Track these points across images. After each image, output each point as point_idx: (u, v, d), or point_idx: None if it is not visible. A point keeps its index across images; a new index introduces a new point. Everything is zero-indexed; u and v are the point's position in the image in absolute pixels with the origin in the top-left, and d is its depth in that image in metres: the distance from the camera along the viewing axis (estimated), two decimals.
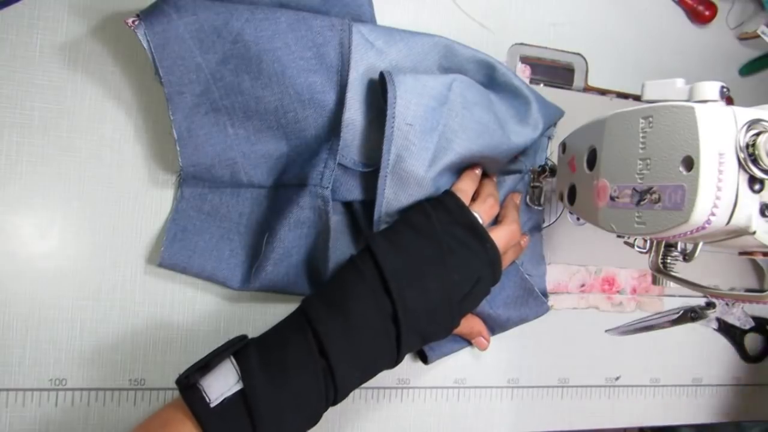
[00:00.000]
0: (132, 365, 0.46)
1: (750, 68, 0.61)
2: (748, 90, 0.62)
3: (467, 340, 0.51)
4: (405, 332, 0.38)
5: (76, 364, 0.44)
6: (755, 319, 0.61)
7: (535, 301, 0.52)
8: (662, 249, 0.42)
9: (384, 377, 0.41)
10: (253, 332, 0.41)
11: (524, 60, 0.54)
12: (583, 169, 0.41)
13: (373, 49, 0.44)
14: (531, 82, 0.54)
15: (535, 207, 0.53)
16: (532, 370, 0.55)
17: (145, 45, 0.39)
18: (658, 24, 0.59)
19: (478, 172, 0.46)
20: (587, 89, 0.56)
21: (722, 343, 0.62)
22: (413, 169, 0.41)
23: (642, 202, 0.34)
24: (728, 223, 0.31)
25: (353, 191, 0.46)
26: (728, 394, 0.62)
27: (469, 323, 0.49)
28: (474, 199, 0.45)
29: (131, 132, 0.45)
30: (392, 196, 0.42)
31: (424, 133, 0.41)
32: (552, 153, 0.54)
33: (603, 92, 0.57)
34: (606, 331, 0.58)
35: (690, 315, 0.59)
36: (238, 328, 0.48)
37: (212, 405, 0.34)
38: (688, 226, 0.31)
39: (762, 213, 0.31)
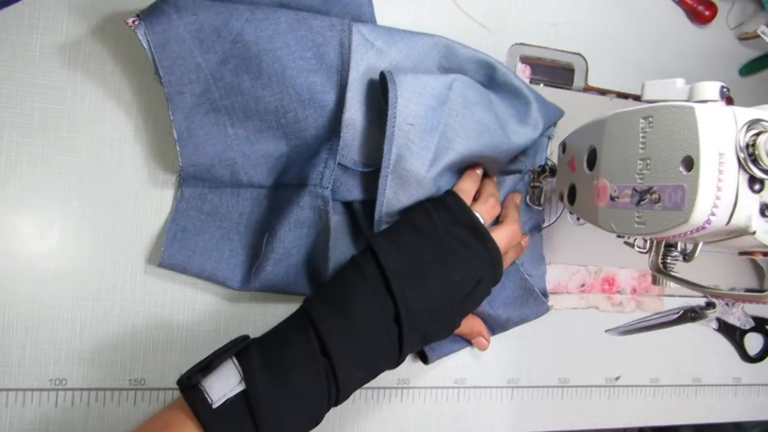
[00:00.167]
0: (132, 365, 0.46)
1: (750, 68, 0.61)
2: (748, 90, 0.62)
3: (467, 340, 0.51)
4: (407, 332, 0.38)
5: (76, 364, 0.44)
6: (755, 319, 0.61)
7: (535, 301, 0.52)
8: (662, 249, 0.42)
9: (384, 377, 0.41)
10: (253, 332, 0.41)
11: (524, 60, 0.54)
12: (583, 169, 0.41)
13: (373, 49, 0.44)
14: (531, 82, 0.54)
15: (535, 207, 0.53)
16: (532, 370, 0.55)
17: (145, 45, 0.39)
18: (658, 24, 0.59)
19: (479, 172, 0.46)
20: (587, 89, 0.56)
21: (722, 343, 0.62)
22: (414, 169, 0.41)
23: (642, 202, 0.34)
24: (728, 223, 0.31)
25: (353, 191, 0.46)
26: (728, 394, 0.62)
27: (470, 323, 0.49)
28: (475, 199, 0.45)
29: (131, 132, 0.45)
30: (393, 196, 0.42)
31: (425, 132, 0.41)
32: (552, 153, 0.54)
33: (603, 92, 0.57)
34: (606, 331, 0.58)
35: (690, 315, 0.59)
36: (238, 328, 0.48)
37: (214, 406, 0.34)
38: (688, 226, 0.31)
39: (762, 213, 0.31)
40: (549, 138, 0.54)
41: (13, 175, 0.43)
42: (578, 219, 0.56)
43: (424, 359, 0.51)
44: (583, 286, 0.57)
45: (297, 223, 0.43)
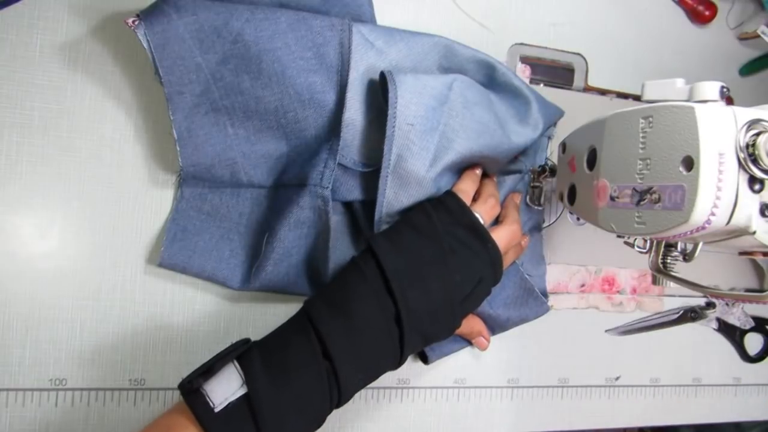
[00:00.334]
0: (132, 365, 0.46)
1: (750, 68, 0.61)
2: (748, 90, 0.62)
3: (467, 340, 0.51)
4: (408, 333, 0.38)
5: (76, 364, 0.44)
6: (755, 319, 0.61)
7: (535, 301, 0.52)
8: (662, 249, 0.42)
9: (384, 377, 0.41)
10: (253, 332, 0.41)
11: (524, 60, 0.54)
12: (583, 169, 0.41)
13: (373, 49, 0.44)
14: (531, 82, 0.54)
15: (535, 207, 0.53)
16: (532, 370, 0.55)
17: (145, 45, 0.39)
18: (658, 24, 0.59)
19: (478, 172, 0.46)
20: (587, 89, 0.56)
21: (722, 343, 0.62)
22: (414, 169, 0.41)
23: (642, 202, 0.34)
24: (728, 223, 0.31)
25: (353, 191, 0.46)
26: (728, 394, 0.62)
27: (470, 323, 0.49)
28: (475, 199, 0.45)
29: (131, 132, 0.45)
30: (393, 196, 0.42)
31: (425, 132, 0.41)
32: (552, 153, 0.54)
33: (603, 92, 0.57)
34: (606, 331, 0.58)
35: (690, 315, 0.59)
36: (238, 328, 0.48)
37: (216, 410, 0.34)
38: (688, 226, 0.31)
39: (762, 213, 0.31)
40: (549, 138, 0.54)
41: (13, 175, 0.43)
42: (578, 219, 0.56)
43: (424, 359, 0.51)
44: (583, 286, 0.57)
45: (297, 223, 0.43)
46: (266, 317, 0.48)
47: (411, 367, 0.52)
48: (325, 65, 0.43)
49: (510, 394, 0.55)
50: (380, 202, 0.42)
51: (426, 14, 0.51)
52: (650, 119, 0.34)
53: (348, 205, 0.48)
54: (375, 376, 0.39)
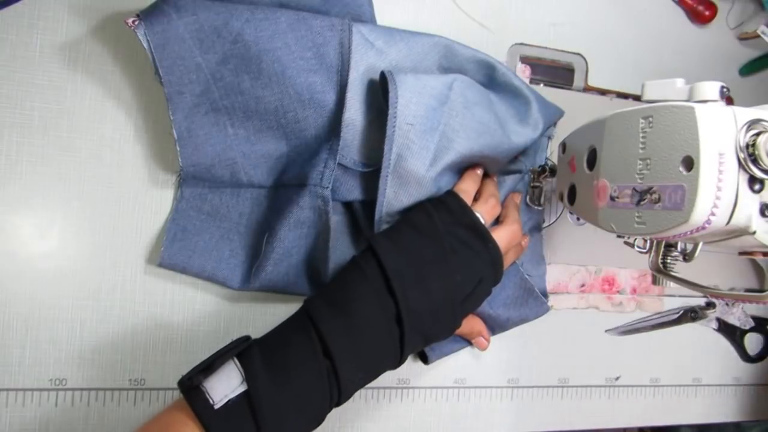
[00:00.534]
0: (132, 365, 0.46)
1: (750, 68, 0.61)
2: (748, 90, 0.62)
3: (467, 340, 0.51)
4: (408, 333, 0.38)
5: (76, 364, 0.44)
6: (755, 319, 0.61)
7: (535, 301, 0.52)
8: (662, 249, 0.42)
9: (384, 377, 0.41)
10: (253, 332, 0.41)
11: (524, 60, 0.54)
12: (583, 169, 0.41)
13: (373, 49, 0.44)
14: (531, 82, 0.54)
15: (535, 207, 0.53)
16: (532, 370, 0.55)
17: (145, 45, 0.39)
18: (658, 24, 0.59)
19: (479, 172, 0.46)
20: (587, 89, 0.56)
21: (722, 343, 0.62)
22: (414, 169, 0.41)
23: (642, 202, 0.34)
24: (728, 223, 0.31)
25: (353, 191, 0.46)
26: (728, 394, 0.62)
27: (470, 323, 0.49)
28: (475, 199, 0.45)
29: (131, 132, 0.45)
30: (393, 196, 0.42)
31: (425, 132, 0.41)
32: (552, 153, 0.54)
33: (603, 92, 0.57)
34: (606, 331, 0.58)
35: (690, 315, 0.59)
36: (238, 328, 0.48)
37: (216, 407, 0.34)
38: (688, 226, 0.31)
39: (762, 213, 0.31)
40: (549, 138, 0.54)
41: (13, 175, 0.43)
42: (578, 219, 0.56)
43: (424, 359, 0.51)
44: (583, 286, 0.57)
45: (297, 223, 0.43)
46: (266, 317, 0.48)
47: (411, 367, 0.52)
48: (325, 65, 0.43)
49: (510, 394, 0.55)
50: (380, 202, 0.42)
51: (426, 14, 0.51)
52: (650, 119, 0.34)
53: (348, 205, 0.48)
54: (375, 376, 0.39)
